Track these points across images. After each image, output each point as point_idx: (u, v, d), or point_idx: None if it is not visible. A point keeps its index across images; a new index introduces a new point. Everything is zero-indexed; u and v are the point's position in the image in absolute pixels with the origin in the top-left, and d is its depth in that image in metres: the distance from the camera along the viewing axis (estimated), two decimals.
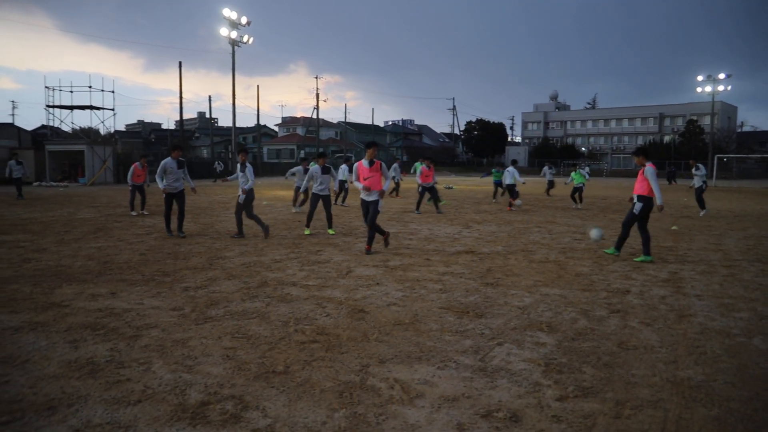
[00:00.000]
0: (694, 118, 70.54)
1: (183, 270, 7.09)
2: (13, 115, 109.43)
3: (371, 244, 8.57)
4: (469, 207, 17.78)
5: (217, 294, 5.84)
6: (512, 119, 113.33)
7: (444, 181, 35.21)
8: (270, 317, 5.00)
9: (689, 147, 64.20)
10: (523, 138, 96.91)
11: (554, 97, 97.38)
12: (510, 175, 17.39)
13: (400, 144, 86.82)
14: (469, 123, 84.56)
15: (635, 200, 8.23)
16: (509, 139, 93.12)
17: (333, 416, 3.12)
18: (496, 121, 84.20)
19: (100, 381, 3.57)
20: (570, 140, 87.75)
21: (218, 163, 44.81)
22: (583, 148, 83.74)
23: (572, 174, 18.03)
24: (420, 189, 15.98)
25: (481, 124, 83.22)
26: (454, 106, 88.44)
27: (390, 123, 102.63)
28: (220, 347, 4.20)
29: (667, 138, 75.65)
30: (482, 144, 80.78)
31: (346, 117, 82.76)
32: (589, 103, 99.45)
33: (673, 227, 12.38)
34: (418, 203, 15.85)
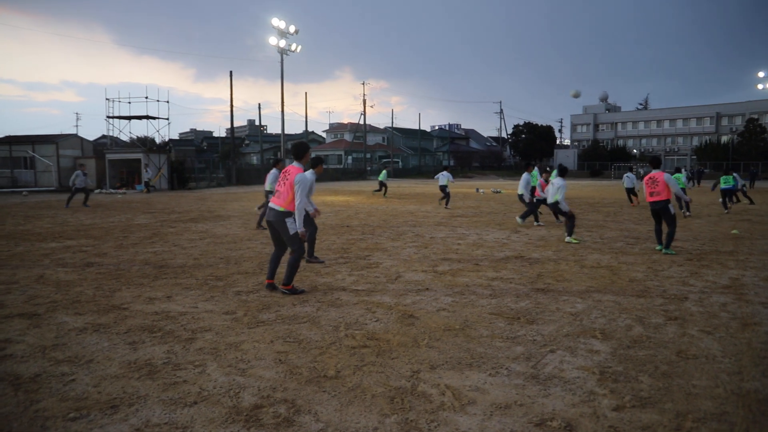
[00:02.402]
0: (755, 116, 67.66)
1: (235, 274, 7.25)
2: (77, 126, 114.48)
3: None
4: (518, 211, 17.53)
5: (268, 298, 5.94)
6: (560, 122, 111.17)
7: (491, 185, 34.83)
8: (320, 322, 5.06)
9: (749, 147, 61.56)
10: (572, 141, 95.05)
11: (604, 99, 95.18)
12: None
13: (447, 149, 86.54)
14: (516, 126, 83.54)
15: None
16: (558, 141, 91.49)
17: (384, 422, 3.12)
18: (544, 124, 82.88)
19: (158, 382, 3.68)
20: (621, 142, 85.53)
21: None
22: (635, 150, 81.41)
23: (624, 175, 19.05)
24: (534, 200, 13.55)
25: (529, 127, 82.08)
26: (501, 110, 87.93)
27: (436, 127, 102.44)
28: (272, 351, 4.27)
29: (724, 138, 72.78)
30: (530, 147, 79.60)
31: (393, 122, 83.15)
32: (640, 104, 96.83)
33: (734, 231, 11.88)
34: (529, 214, 13.46)
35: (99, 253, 9.14)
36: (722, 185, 17.68)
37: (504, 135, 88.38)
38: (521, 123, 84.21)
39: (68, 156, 37.53)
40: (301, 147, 6.37)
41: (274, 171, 11.50)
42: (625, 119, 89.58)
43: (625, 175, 21.83)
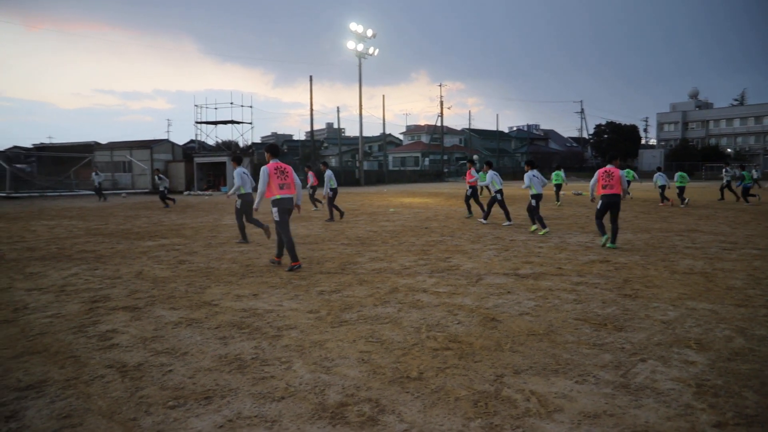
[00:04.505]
0: None
1: (317, 274, 7.43)
2: (168, 131, 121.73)
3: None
4: None
5: (350, 298, 6.05)
6: (646, 120, 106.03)
7: (572, 187, 33.75)
8: (402, 323, 5.09)
9: None
10: (659, 140, 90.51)
11: (694, 95, 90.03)
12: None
13: (526, 150, 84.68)
14: (598, 126, 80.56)
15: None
16: (643, 141, 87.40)
17: (469, 425, 3.10)
18: (627, 123, 79.47)
19: (247, 376, 3.84)
20: (713, 141, 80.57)
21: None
22: (729, 149, 76.39)
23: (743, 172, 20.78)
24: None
25: (612, 126, 78.95)
26: (582, 109, 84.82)
27: (515, 128, 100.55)
28: (355, 350, 4.35)
29: None
30: (613, 147, 76.29)
31: (470, 123, 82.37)
32: (735, 99, 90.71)
33: None
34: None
35: (190, 251, 9.63)
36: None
37: (585, 135, 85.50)
38: (603, 123, 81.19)
39: (161, 160, 39.77)
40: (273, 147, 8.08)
41: (240, 169, 10.84)
42: (719, 116, 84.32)
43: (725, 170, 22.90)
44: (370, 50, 48.73)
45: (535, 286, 6.59)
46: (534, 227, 12.13)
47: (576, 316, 5.29)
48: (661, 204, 20.56)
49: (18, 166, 34.23)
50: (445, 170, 65.10)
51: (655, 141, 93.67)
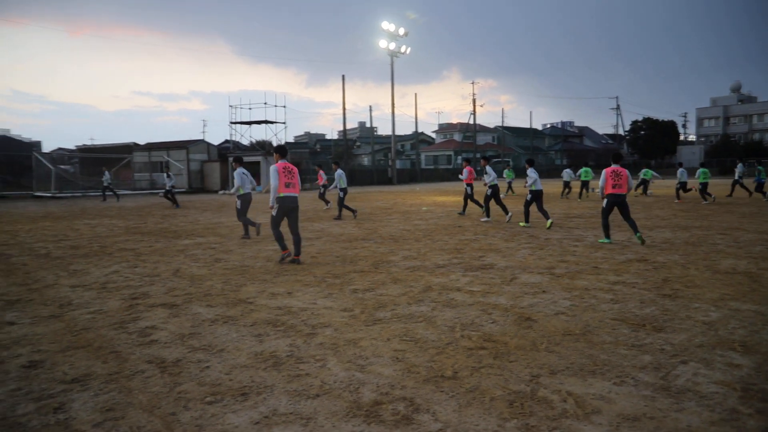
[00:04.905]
0: None
1: (351, 273, 7.46)
2: (203, 132, 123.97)
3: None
4: (640, 212, 16.53)
5: (384, 297, 6.06)
6: (684, 116, 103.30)
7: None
8: (436, 322, 5.07)
9: None
10: (698, 136, 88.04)
11: (736, 89, 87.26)
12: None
13: (560, 147, 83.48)
14: (635, 122, 78.75)
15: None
16: (681, 137, 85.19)
17: (504, 426, 3.07)
18: (665, 119, 77.56)
19: (282, 374, 3.87)
20: (757, 136, 77.96)
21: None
22: None
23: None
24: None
25: (649, 122, 77.13)
26: (618, 105, 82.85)
27: (548, 126, 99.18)
28: (389, 349, 4.35)
29: None
30: (650, 144, 74.86)
31: (503, 121, 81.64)
32: None
33: None
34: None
35: (225, 250, 9.78)
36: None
37: (621, 132, 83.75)
38: (640, 119, 79.35)
39: (197, 160, 40.49)
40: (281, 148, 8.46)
41: (240, 169, 11.32)
42: (763, 110, 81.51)
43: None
44: (402, 48, 48.73)
45: (570, 286, 6.49)
46: (525, 222, 12.92)
47: (613, 316, 5.18)
48: (676, 201, 21.14)
49: (62, 167, 35.32)
50: (478, 168, 64.70)
51: (694, 137, 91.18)
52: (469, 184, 15.51)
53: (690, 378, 3.69)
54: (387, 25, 46.85)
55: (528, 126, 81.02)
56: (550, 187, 31.44)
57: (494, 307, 5.55)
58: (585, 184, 24.17)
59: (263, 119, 42.24)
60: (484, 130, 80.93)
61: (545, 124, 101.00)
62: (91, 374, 3.90)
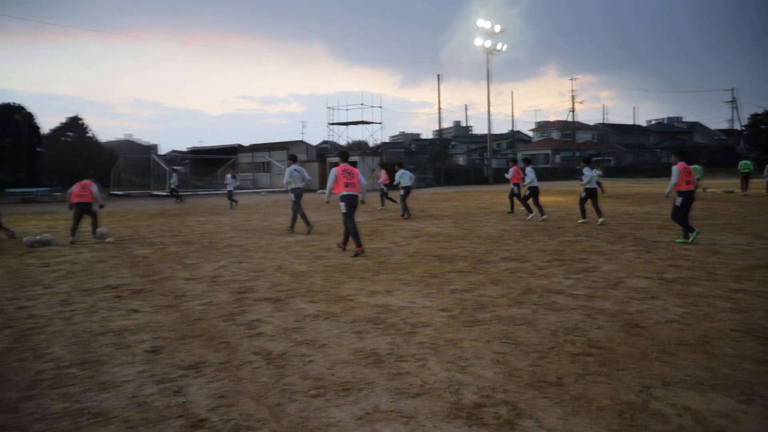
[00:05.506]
0: None
1: (449, 273, 7.42)
2: (302, 133, 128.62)
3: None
4: (764, 214, 15.20)
5: (483, 298, 5.97)
6: None
7: (723, 184, 30.65)
8: (538, 325, 4.93)
9: None
10: None
11: None
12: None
13: (666, 144, 78.47)
14: (755, 116, 72.17)
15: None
16: None
17: None
18: None
19: (383, 371, 3.92)
20: None
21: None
22: None
23: None
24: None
25: None
26: (734, 98, 76.62)
27: (653, 122, 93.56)
28: (490, 351, 4.28)
29: None
30: None
31: (604, 118, 78.12)
32: None
33: None
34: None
35: (325, 247, 10.05)
36: None
37: (738, 127, 77.30)
38: (761, 112, 72.69)
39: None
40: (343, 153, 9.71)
41: (292, 166, 12.62)
42: None
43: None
44: (498, 46, 47.84)
45: (683, 292, 6.08)
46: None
47: (735, 326, 4.79)
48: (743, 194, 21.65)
49: (176, 168, 37.83)
50: (577, 167, 62.18)
51: None
52: (516, 184, 16.12)
53: None
54: (483, 23, 46.19)
55: (632, 123, 76.97)
56: (655, 188, 29.62)
57: (599, 312, 5.31)
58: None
59: (360, 120, 43.08)
60: (584, 127, 77.70)
61: (650, 121, 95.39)
62: (205, 362, 4.15)
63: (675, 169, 9.72)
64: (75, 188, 11.56)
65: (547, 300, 5.82)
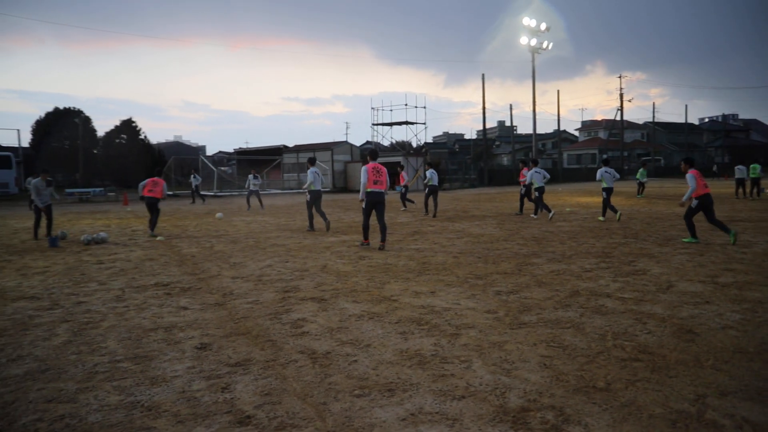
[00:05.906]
0: None
1: (494, 274, 7.34)
2: (346, 133, 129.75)
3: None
4: None
5: (528, 300, 5.89)
6: None
7: None
8: (585, 329, 4.83)
9: None
10: None
11: None
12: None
13: (720, 143, 75.62)
14: None
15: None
16: None
17: None
18: None
19: (427, 372, 3.90)
20: None
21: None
22: None
23: None
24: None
25: None
26: None
27: (706, 120, 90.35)
28: (536, 354, 4.21)
29: None
30: None
31: (653, 116, 75.81)
32: None
33: None
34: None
35: (368, 248, 10.09)
36: None
37: None
38: None
39: (340, 161, 42.28)
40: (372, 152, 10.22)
41: (313, 169, 12.94)
42: None
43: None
44: (544, 44, 47.06)
45: (739, 297, 5.85)
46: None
47: None
48: None
49: (222, 168, 38.76)
50: (626, 167, 60.57)
51: None
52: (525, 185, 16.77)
53: None
54: (528, 21, 45.52)
55: (683, 121, 74.49)
56: (718, 189, 28.56)
57: (649, 317, 5.16)
58: (755, 182, 21.74)
59: (403, 120, 43.08)
60: (632, 126, 75.67)
61: (702, 119, 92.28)
62: (251, 359, 4.22)
63: (691, 176, 9.67)
64: (147, 183, 12.53)
65: (594, 303, 5.69)
